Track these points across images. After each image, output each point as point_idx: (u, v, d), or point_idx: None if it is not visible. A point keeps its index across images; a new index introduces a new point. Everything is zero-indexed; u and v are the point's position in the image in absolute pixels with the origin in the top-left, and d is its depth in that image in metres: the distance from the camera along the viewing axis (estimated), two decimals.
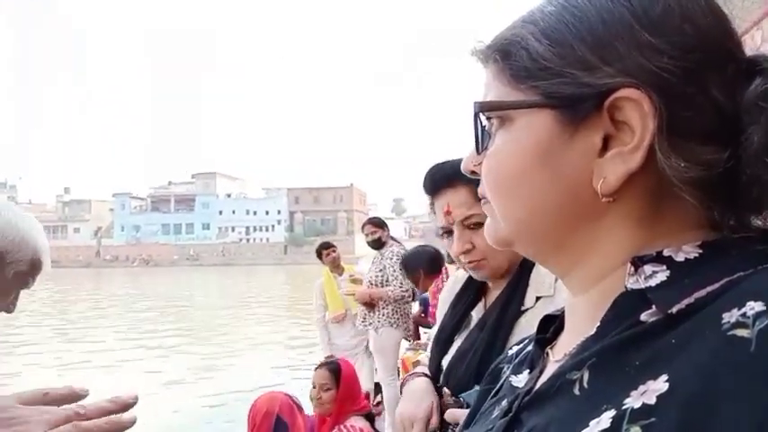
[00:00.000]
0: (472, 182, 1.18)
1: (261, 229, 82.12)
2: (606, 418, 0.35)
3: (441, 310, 1.42)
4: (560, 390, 0.42)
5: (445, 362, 1.26)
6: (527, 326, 1.14)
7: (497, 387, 0.58)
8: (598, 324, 0.42)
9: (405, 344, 4.48)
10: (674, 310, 0.37)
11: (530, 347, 0.57)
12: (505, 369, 0.60)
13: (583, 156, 0.43)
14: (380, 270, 4.63)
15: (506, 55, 0.46)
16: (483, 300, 1.31)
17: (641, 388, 0.35)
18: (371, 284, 4.65)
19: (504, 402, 0.52)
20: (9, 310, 1.21)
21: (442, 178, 1.23)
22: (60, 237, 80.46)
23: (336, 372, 2.92)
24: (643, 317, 0.39)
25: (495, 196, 0.48)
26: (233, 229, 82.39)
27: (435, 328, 1.45)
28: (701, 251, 0.40)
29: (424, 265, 3.91)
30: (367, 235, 4.80)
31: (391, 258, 4.59)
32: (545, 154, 0.44)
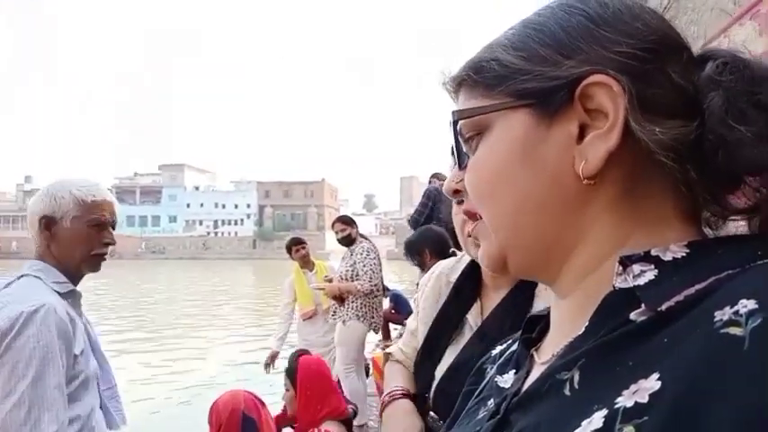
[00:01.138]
0: None
1: (229, 223, 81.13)
2: (598, 418, 0.35)
3: (425, 311, 1.31)
4: (550, 390, 0.42)
5: (438, 373, 1.16)
6: None
7: (481, 387, 0.58)
8: (586, 324, 0.42)
9: (374, 339, 4.46)
10: (664, 307, 0.38)
11: (514, 347, 0.56)
12: (489, 369, 0.60)
13: (561, 145, 0.44)
14: (351, 266, 4.72)
15: (478, 70, 0.48)
16: (479, 302, 1.21)
17: (633, 387, 0.35)
18: (342, 279, 4.73)
19: (491, 403, 0.52)
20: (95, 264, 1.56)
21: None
22: (21, 227, 77.91)
23: (292, 372, 2.72)
24: (632, 316, 0.39)
25: (482, 201, 0.49)
26: (201, 223, 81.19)
27: (413, 327, 1.36)
28: (687, 251, 0.41)
29: (429, 246, 3.76)
30: (337, 232, 4.89)
31: (361, 254, 4.69)
32: (524, 149, 0.45)
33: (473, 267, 1.25)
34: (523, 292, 1.12)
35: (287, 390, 2.73)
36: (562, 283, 0.48)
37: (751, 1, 2.34)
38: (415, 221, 5.16)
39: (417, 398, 1.20)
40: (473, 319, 1.19)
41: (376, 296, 4.74)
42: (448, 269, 1.33)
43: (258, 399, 2.60)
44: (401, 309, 6.48)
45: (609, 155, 0.42)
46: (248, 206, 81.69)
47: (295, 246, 5.35)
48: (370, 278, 4.61)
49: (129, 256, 67.56)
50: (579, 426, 0.36)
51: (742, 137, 0.40)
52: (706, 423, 0.30)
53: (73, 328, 1.43)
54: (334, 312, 4.78)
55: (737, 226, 0.46)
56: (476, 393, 0.58)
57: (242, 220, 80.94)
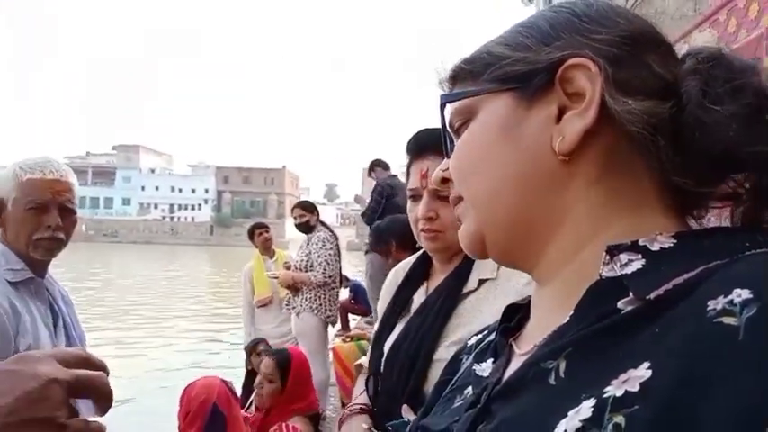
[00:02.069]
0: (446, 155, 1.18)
1: (186, 208, 79.34)
2: (586, 407, 0.35)
3: (383, 301, 1.39)
4: (534, 379, 0.41)
5: (385, 350, 1.23)
6: (471, 309, 1.13)
7: (456, 377, 0.57)
8: (571, 312, 0.42)
9: (332, 331, 4.41)
10: (652, 296, 0.38)
11: (491, 336, 0.56)
12: (464, 359, 0.59)
13: (540, 125, 0.46)
14: (307, 255, 4.60)
15: (469, 62, 0.51)
16: (425, 284, 1.29)
17: (622, 376, 0.34)
18: (297, 269, 4.61)
19: (468, 391, 0.52)
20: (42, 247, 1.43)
21: (430, 142, 1.21)
22: None
23: (285, 365, 2.66)
24: (620, 304, 0.39)
25: (463, 181, 0.50)
26: (156, 206, 79.07)
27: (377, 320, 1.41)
28: (675, 241, 0.41)
29: (396, 237, 3.67)
30: (295, 218, 4.77)
31: (317, 243, 4.56)
32: (504, 129, 0.47)
33: (425, 256, 1.33)
34: (462, 270, 1.19)
35: (269, 381, 2.64)
36: (542, 268, 0.48)
37: (710, 10, 2.43)
38: (369, 219, 5.09)
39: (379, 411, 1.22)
40: (419, 298, 1.26)
41: (332, 288, 4.61)
42: (405, 264, 1.41)
43: (233, 391, 2.54)
44: (360, 299, 6.47)
45: (585, 132, 0.43)
46: (206, 191, 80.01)
47: (258, 230, 5.23)
48: (324, 269, 4.48)
49: (79, 239, 65.20)
50: (566, 415, 0.35)
51: (718, 117, 0.40)
52: (702, 413, 0.30)
53: (16, 320, 1.32)
54: (288, 302, 4.68)
55: (715, 221, 0.46)
56: (451, 383, 0.57)
57: (199, 205, 79.25)
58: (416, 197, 1.23)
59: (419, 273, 1.31)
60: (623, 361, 0.35)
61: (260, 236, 5.19)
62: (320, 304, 4.52)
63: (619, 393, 0.34)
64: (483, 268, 1.16)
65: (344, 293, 5.15)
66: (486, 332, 0.61)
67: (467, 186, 0.50)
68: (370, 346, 1.35)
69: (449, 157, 0.53)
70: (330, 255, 4.53)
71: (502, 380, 0.47)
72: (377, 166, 5.60)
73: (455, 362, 0.62)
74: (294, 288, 4.55)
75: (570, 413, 0.35)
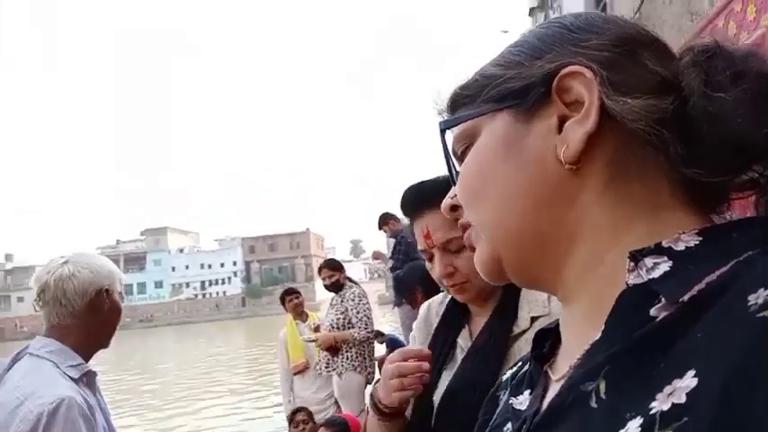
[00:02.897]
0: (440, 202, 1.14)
1: (217, 283, 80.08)
2: (634, 428, 0.33)
3: (419, 340, 1.32)
4: (574, 404, 0.39)
5: (436, 399, 1.15)
6: (526, 349, 1.06)
7: (495, 415, 0.56)
8: (602, 327, 0.40)
9: (369, 388, 4.31)
10: (686, 297, 0.36)
11: (526, 367, 0.54)
12: (502, 395, 0.58)
13: (542, 137, 0.45)
14: (342, 312, 4.56)
15: (464, 87, 0.51)
16: (467, 327, 1.22)
17: (667, 389, 0.32)
18: (334, 328, 4.54)
19: (508, 428, 0.49)
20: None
21: (420, 200, 1.18)
22: (3, 308, 76.01)
23: None
24: (653, 312, 0.37)
25: (470, 204, 0.49)
26: (187, 285, 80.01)
27: None
28: (700, 238, 0.39)
29: (420, 283, 3.53)
30: (324, 279, 4.77)
31: (353, 300, 4.53)
32: (506, 145, 0.46)
33: (456, 301, 1.28)
34: (506, 308, 1.14)
35: None
36: (565, 284, 0.46)
37: (707, 18, 2.42)
38: (397, 274, 5.02)
39: None
40: (464, 342, 1.20)
41: (370, 343, 4.57)
42: (437, 303, 1.35)
43: None
44: None
45: (589, 137, 0.42)
46: (234, 263, 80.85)
47: (288, 296, 5.25)
48: (366, 324, 4.44)
49: (117, 328, 65.81)
50: None
51: (724, 104, 0.39)
52: (755, 413, 0.28)
53: (93, 417, 1.32)
54: (327, 364, 4.58)
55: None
56: (490, 422, 0.55)
57: (229, 278, 79.95)
58: (430, 256, 1.19)
59: (455, 314, 1.24)
60: (666, 372, 0.33)
61: (290, 302, 5.19)
62: (362, 361, 4.47)
63: (666, 407, 0.32)
64: (533, 305, 1.10)
65: (380, 349, 5.04)
66: (519, 364, 0.59)
67: (475, 210, 0.49)
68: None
69: (455, 185, 0.52)
70: (368, 309, 4.53)
71: (540, 410, 0.45)
72: (388, 219, 5.55)
73: (493, 400, 0.60)
74: (334, 349, 4.47)
75: None
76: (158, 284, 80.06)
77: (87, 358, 1.47)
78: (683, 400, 0.31)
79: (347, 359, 4.45)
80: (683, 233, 0.40)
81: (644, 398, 0.33)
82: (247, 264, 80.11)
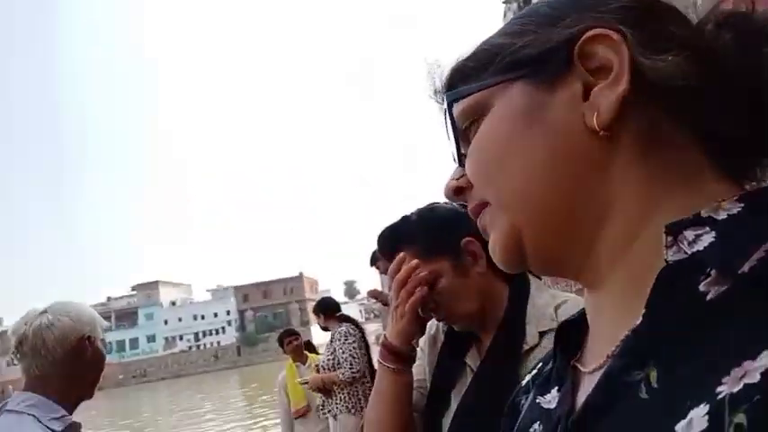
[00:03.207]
0: (413, 242, 1.19)
1: (211, 333, 78.74)
2: (699, 416, 0.29)
3: (425, 362, 1.30)
4: (620, 397, 0.36)
5: (446, 421, 1.14)
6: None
7: (519, 419, 0.52)
8: (644, 311, 0.36)
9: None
10: (747, 268, 0.32)
11: (548, 366, 0.51)
12: (523, 400, 0.54)
13: (567, 105, 0.42)
14: (332, 353, 4.47)
15: (472, 57, 0.47)
16: (474, 346, 1.20)
17: (736, 371, 0.29)
18: (324, 369, 4.46)
19: (535, 429, 0.46)
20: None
21: (386, 247, 1.22)
22: None
23: None
24: (702, 288, 0.34)
25: (488, 182, 0.46)
26: (181, 338, 78.61)
27: (418, 376, 1.31)
28: (741, 205, 0.36)
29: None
30: (318, 322, 4.77)
31: (339, 339, 4.43)
32: (528, 115, 0.43)
33: None
34: (513, 324, 1.13)
35: None
36: (593, 267, 0.43)
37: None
38: None
39: None
40: (472, 361, 1.19)
41: (365, 383, 4.36)
42: (442, 326, 1.33)
43: None
44: None
45: (622, 102, 0.39)
46: (228, 313, 79.74)
47: (287, 338, 5.17)
48: (351, 365, 4.29)
49: (110, 385, 64.38)
50: (673, 431, 0.30)
51: (764, 59, 0.37)
52: None
53: None
54: (323, 406, 4.49)
55: None
56: (515, 427, 0.51)
57: (223, 328, 78.70)
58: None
59: (461, 333, 1.21)
60: (733, 353, 0.30)
61: (289, 344, 5.14)
62: (356, 402, 4.33)
63: (736, 389, 0.29)
64: (541, 319, 1.10)
65: None
66: (540, 365, 0.55)
67: (494, 187, 0.45)
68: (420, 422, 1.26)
69: (462, 165, 0.48)
70: (354, 348, 4.38)
71: (575, 407, 0.41)
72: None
73: (513, 407, 0.55)
74: (326, 391, 4.39)
75: (679, 427, 0.30)
76: (151, 339, 78.58)
77: (71, 410, 1.41)
78: (756, 379, 0.28)
79: (340, 401, 4.33)
80: (723, 201, 0.37)
81: (707, 383, 0.30)
82: (241, 312, 79.04)
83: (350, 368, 4.32)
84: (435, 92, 0.51)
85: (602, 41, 0.40)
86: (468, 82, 0.47)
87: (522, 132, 0.43)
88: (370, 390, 4.62)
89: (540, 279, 1.26)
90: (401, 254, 1.17)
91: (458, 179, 0.49)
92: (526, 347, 1.08)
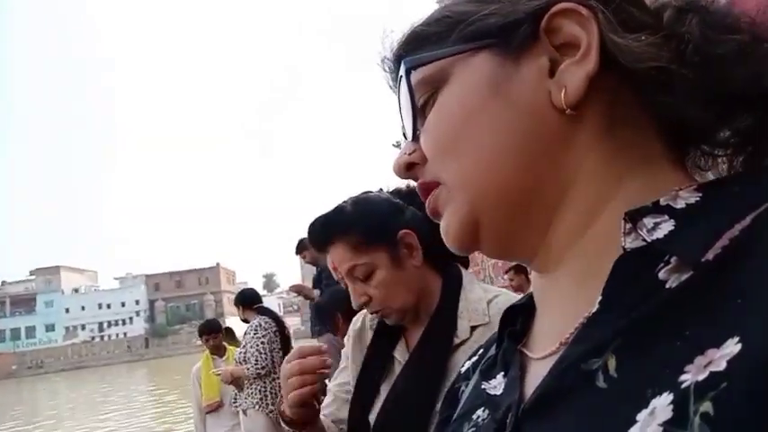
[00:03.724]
0: (349, 232, 1.14)
1: (117, 324, 74.84)
2: (663, 406, 0.29)
3: (353, 354, 1.28)
4: (575, 386, 0.34)
5: (372, 416, 1.12)
6: (466, 359, 1.05)
7: (460, 405, 0.50)
8: (599, 298, 0.36)
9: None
10: (711, 256, 0.32)
11: (491, 351, 0.49)
12: (463, 387, 0.53)
13: (533, 80, 0.40)
14: (243, 347, 4.39)
15: (431, 23, 0.45)
16: (403, 339, 1.19)
17: (699, 359, 0.28)
18: (237, 362, 4.36)
19: (479, 415, 0.44)
20: None
21: (319, 238, 1.17)
22: None
23: None
24: (661, 275, 0.33)
25: (445, 157, 0.43)
26: (83, 327, 74.14)
27: (343, 380, 1.30)
28: (699, 194, 0.36)
29: (341, 308, 3.35)
30: (239, 315, 4.64)
31: (250, 333, 4.34)
32: (492, 86, 0.41)
33: None
34: (445, 318, 1.12)
35: None
36: (548, 251, 0.42)
37: None
38: (317, 303, 4.84)
39: None
40: (400, 355, 1.17)
41: (274, 379, 4.22)
42: (372, 317, 1.31)
43: None
44: None
45: (589, 80, 0.38)
46: (137, 302, 76.07)
47: (207, 335, 4.91)
48: (256, 360, 4.20)
49: (1, 376, 59.75)
50: (634, 421, 0.29)
51: (732, 47, 0.37)
52: None
53: None
54: (235, 399, 4.38)
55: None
56: (454, 416, 0.49)
57: (131, 318, 75.00)
58: (346, 285, 1.19)
59: (390, 326, 1.20)
60: (696, 341, 0.29)
61: (207, 341, 4.93)
62: (261, 398, 4.22)
63: (701, 377, 0.28)
64: (473, 313, 1.10)
65: None
66: (481, 351, 0.54)
67: (449, 167, 0.43)
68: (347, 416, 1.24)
69: (416, 139, 0.45)
70: (262, 343, 4.27)
71: (524, 395, 0.40)
72: (308, 245, 5.40)
73: (452, 394, 0.54)
74: (237, 384, 4.29)
75: (641, 417, 0.29)
76: (50, 328, 73.54)
77: None
78: (722, 367, 0.27)
79: (249, 395, 4.23)
80: (680, 189, 0.36)
81: (669, 372, 0.30)
82: (151, 302, 75.63)
83: (255, 364, 4.22)
84: (385, 59, 0.47)
85: (571, 16, 0.39)
86: (427, 49, 0.44)
87: (484, 106, 0.41)
88: (279, 385, 4.45)
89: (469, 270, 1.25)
90: (320, 345, 1.12)
91: (410, 154, 0.46)
92: (457, 341, 1.08)
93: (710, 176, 0.42)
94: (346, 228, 1.13)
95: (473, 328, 1.08)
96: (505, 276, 5.46)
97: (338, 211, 1.18)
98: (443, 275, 1.17)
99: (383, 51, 0.48)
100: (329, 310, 3.63)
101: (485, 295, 1.13)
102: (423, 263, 1.15)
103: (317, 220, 1.20)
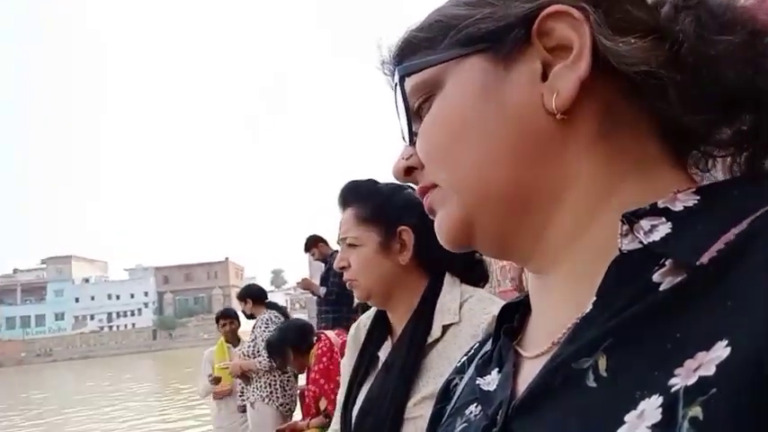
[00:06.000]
0: (358, 201, 1.25)
1: (125, 315, 75.54)
2: (652, 408, 0.29)
3: (346, 361, 1.34)
4: (565, 385, 0.35)
5: (354, 412, 1.17)
6: (439, 359, 1.09)
7: (455, 399, 0.51)
8: (594, 299, 0.36)
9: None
10: (706, 259, 0.32)
11: (487, 347, 0.49)
12: (457, 380, 0.53)
13: (526, 84, 0.40)
14: (253, 340, 4.45)
15: (424, 28, 0.45)
16: (389, 339, 1.24)
17: (689, 363, 0.29)
18: (245, 356, 4.42)
19: (472, 411, 0.45)
20: None
21: (341, 196, 1.29)
22: None
23: None
24: (656, 278, 0.33)
25: (440, 161, 0.44)
26: (92, 317, 74.89)
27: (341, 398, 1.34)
28: (698, 197, 0.36)
29: (290, 342, 3.50)
30: (244, 311, 4.71)
31: (261, 327, 4.40)
32: (484, 92, 0.41)
33: (381, 315, 1.32)
34: (422, 317, 1.15)
35: None
36: (545, 252, 0.42)
37: None
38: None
39: None
40: (384, 354, 1.21)
41: (285, 373, 4.32)
42: (366, 318, 1.37)
43: None
44: None
45: (581, 84, 0.38)
46: (146, 294, 76.69)
47: (224, 319, 5.06)
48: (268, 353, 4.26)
49: (10, 363, 60.49)
50: (622, 422, 0.30)
51: (726, 47, 0.36)
52: None
53: None
54: (242, 393, 4.46)
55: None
56: (449, 410, 0.50)
57: (139, 309, 75.62)
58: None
59: (381, 327, 1.27)
60: (686, 344, 0.30)
61: (224, 326, 5.05)
62: (271, 392, 4.28)
63: (691, 382, 0.28)
64: (445, 313, 1.13)
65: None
66: (477, 346, 0.54)
67: (444, 170, 0.43)
68: (338, 412, 1.29)
69: (413, 144, 0.46)
70: None
71: (516, 392, 0.40)
72: (318, 242, 5.25)
73: (446, 389, 0.54)
74: (245, 377, 4.35)
75: (629, 418, 0.29)
76: (59, 316, 74.32)
77: None
78: (711, 371, 0.27)
79: (257, 389, 4.29)
80: (679, 192, 0.36)
81: (659, 374, 0.30)
82: (160, 294, 76.18)
83: (267, 356, 4.24)
84: (383, 63, 0.48)
85: (563, 19, 0.39)
86: (420, 55, 0.44)
87: (478, 111, 0.42)
88: (289, 379, 4.56)
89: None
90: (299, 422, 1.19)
91: (407, 158, 0.47)
92: (430, 340, 1.12)
93: (713, 178, 0.42)
94: (362, 199, 1.25)
95: (445, 328, 1.12)
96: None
97: (370, 183, 1.30)
98: (430, 279, 1.22)
99: (381, 56, 0.48)
100: (278, 345, 3.64)
101: (460, 297, 1.17)
102: (412, 263, 1.21)
103: (351, 181, 1.33)
